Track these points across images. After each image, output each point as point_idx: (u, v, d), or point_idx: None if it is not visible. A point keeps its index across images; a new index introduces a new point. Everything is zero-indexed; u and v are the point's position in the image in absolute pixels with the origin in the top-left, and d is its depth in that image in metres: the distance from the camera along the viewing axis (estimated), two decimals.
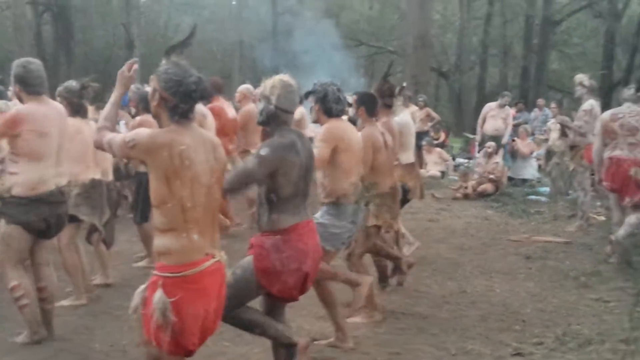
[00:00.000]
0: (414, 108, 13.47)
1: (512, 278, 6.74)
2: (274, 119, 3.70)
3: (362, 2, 35.42)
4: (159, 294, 2.90)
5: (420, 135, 13.03)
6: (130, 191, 8.00)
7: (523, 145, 13.60)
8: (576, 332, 5.07)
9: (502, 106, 13.25)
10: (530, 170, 13.68)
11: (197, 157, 2.96)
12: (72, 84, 5.63)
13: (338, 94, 4.54)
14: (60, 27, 28.89)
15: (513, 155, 13.53)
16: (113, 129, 3.19)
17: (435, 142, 15.52)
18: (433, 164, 14.48)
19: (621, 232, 6.81)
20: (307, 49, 13.88)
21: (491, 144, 12.54)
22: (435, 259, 7.47)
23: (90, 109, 6.14)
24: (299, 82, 3.89)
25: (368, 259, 5.89)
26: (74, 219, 5.61)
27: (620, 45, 28.70)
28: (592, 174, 8.80)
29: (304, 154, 3.69)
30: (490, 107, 13.46)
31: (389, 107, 5.95)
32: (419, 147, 13.16)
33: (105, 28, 33.35)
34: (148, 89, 3.47)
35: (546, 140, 12.91)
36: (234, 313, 3.64)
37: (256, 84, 7.36)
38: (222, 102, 8.18)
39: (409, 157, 6.64)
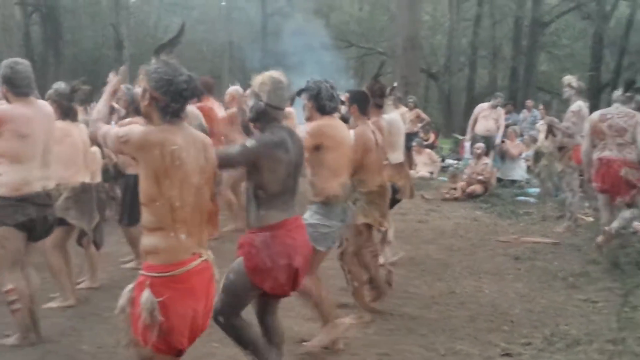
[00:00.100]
0: (403, 109, 13.47)
1: (501, 279, 6.76)
2: (264, 116, 3.70)
3: (352, 4, 35.48)
4: (146, 294, 2.90)
5: (410, 137, 13.06)
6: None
7: (512, 146, 13.64)
8: (564, 333, 5.09)
9: (494, 107, 13.31)
10: (519, 172, 13.72)
11: (187, 158, 2.96)
12: (62, 86, 5.61)
13: (331, 92, 4.53)
14: (49, 28, 28.78)
15: (502, 156, 13.58)
16: (107, 122, 3.23)
17: (425, 143, 15.56)
18: (423, 165, 14.51)
19: (615, 224, 6.85)
20: (296, 50, 13.88)
21: (480, 145, 12.58)
22: (424, 260, 7.49)
23: (80, 109, 6.12)
24: (289, 82, 3.89)
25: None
26: (63, 222, 5.59)
27: (609, 47, 28.91)
28: (581, 175, 8.84)
29: (294, 151, 3.69)
30: (482, 107, 13.53)
31: (379, 107, 5.96)
32: (408, 148, 13.20)
33: (94, 28, 33.27)
34: (137, 89, 3.49)
35: (535, 141, 12.96)
36: (233, 322, 3.66)
37: (246, 85, 7.35)
38: (211, 102, 8.17)
39: (398, 156, 6.64)
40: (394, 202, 6.41)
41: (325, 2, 30.42)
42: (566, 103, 9.00)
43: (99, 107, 3.32)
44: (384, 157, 5.80)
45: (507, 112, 16.91)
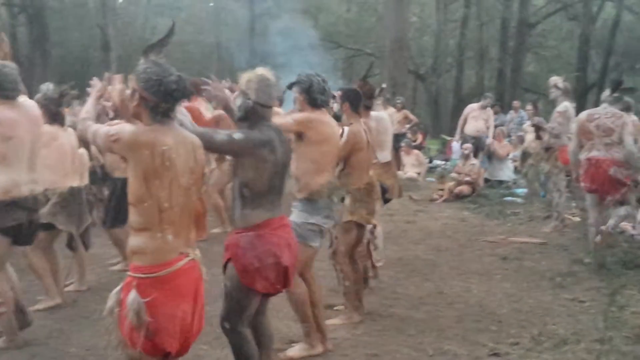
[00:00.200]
0: (391, 110, 13.52)
1: (489, 279, 6.79)
2: (253, 114, 3.68)
3: (340, 5, 35.45)
4: (132, 295, 2.90)
5: (397, 137, 13.09)
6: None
7: (499, 147, 13.69)
8: (552, 332, 5.12)
9: (483, 107, 13.38)
10: (506, 172, 13.77)
11: (177, 158, 2.95)
12: (50, 88, 5.59)
13: (323, 85, 4.52)
14: (35, 29, 28.57)
15: (489, 157, 13.63)
16: (100, 121, 3.24)
17: (413, 144, 15.59)
18: (410, 166, 14.53)
19: (611, 222, 6.89)
20: (284, 51, 13.89)
21: (468, 145, 12.64)
22: (412, 261, 7.51)
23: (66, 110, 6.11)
24: (277, 80, 3.88)
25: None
26: (50, 226, 5.57)
27: (595, 48, 29.07)
28: (568, 175, 8.88)
29: (280, 151, 3.67)
30: (472, 108, 13.60)
31: (368, 108, 5.97)
32: (396, 149, 13.22)
33: (81, 30, 33.06)
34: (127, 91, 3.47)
35: (522, 141, 13.02)
36: (239, 330, 3.65)
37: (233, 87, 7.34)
38: (199, 103, 8.15)
39: (386, 155, 6.66)
40: (384, 201, 6.42)
41: (313, 4, 30.40)
42: (552, 104, 9.05)
43: (87, 108, 3.34)
44: (373, 156, 5.82)
45: (495, 113, 16.97)
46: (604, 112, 6.98)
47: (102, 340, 4.69)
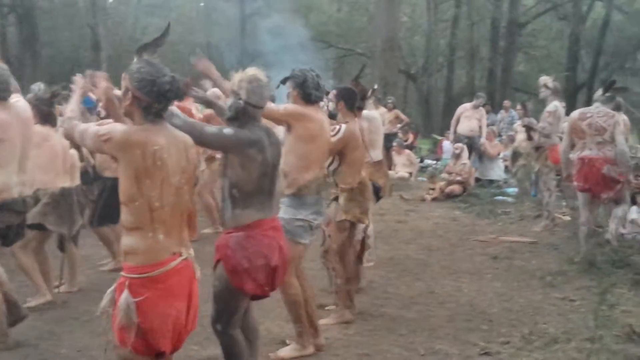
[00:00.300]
0: (382, 110, 13.54)
1: (480, 278, 6.80)
2: (243, 114, 3.67)
3: (331, 4, 35.47)
4: (124, 295, 2.89)
5: (389, 137, 13.11)
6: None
7: (490, 146, 13.73)
8: (542, 331, 5.13)
9: (476, 107, 13.41)
10: (497, 172, 13.82)
11: (169, 158, 2.94)
12: (41, 88, 5.57)
13: (317, 80, 4.51)
14: (25, 29, 28.45)
15: (480, 156, 13.67)
16: (83, 120, 3.21)
17: (404, 143, 15.61)
18: (402, 166, 14.55)
19: (612, 226, 6.87)
20: (275, 50, 13.87)
21: (459, 145, 12.67)
22: (403, 260, 7.52)
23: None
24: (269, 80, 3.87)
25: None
26: (40, 227, 5.55)
27: (585, 48, 29.20)
28: (558, 175, 8.92)
29: (270, 151, 3.67)
30: (465, 107, 13.62)
31: (360, 109, 5.97)
32: (388, 149, 13.24)
33: (71, 30, 32.93)
34: (116, 91, 3.46)
35: (513, 141, 13.06)
36: (230, 332, 3.65)
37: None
38: (190, 103, 8.14)
39: (377, 154, 6.67)
40: (376, 200, 6.44)
41: (303, 3, 30.39)
42: (543, 103, 9.08)
43: (72, 106, 3.30)
44: (366, 155, 5.84)
45: (486, 113, 17.04)
46: (597, 111, 6.99)
47: (93, 342, 4.72)
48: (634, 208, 7.97)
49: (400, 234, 8.99)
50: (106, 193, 6.62)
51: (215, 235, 7.79)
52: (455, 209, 11.07)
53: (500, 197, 11.92)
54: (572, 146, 7.17)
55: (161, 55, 3.23)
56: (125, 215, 2.96)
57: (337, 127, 5.17)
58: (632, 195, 7.49)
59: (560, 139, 8.94)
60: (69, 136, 3.19)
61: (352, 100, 5.41)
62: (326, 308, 5.55)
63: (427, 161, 16.99)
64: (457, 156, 12.54)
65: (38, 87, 5.66)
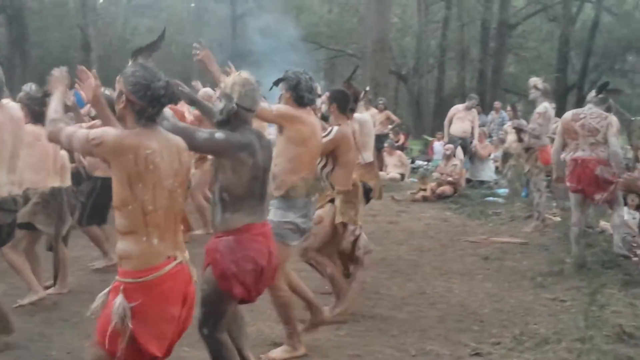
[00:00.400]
0: (373, 111, 13.55)
1: (471, 279, 6.82)
2: (235, 118, 3.64)
3: (322, 6, 35.48)
4: (119, 299, 2.88)
5: (380, 138, 13.11)
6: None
7: (481, 147, 13.77)
8: (533, 332, 5.15)
9: (468, 108, 13.43)
10: (487, 172, 13.85)
11: (161, 162, 2.93)
12: (33, 87, 5.54)
13: (310, 83, 4.51)
14: (14, 29, 28.32)
15: (471, 157, 13.71)
16: (67, 123, 3.16)
17: (395, 144, 15.63)
18: (393, 167, 14.56)
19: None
20: (266, 51, 13.87)
21: (449, 146, 12.70)
22: (395, 261, 7.53)
23: None
24: (259, 84, 3.86)
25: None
26: (30, 226, 5.53)
27: (574, 49, 29.32)
28: (548, 176, 8.94)
29: (261, 155, 3.65)
30: (457, 109, 13.66)
31: (352, 110, 5.97)
32: (379, 150, 13.26)
33: (61, 30, 32.79)
34: (107, 92, 3.44)
35: (503, 142, 13.11)
36: (217, 336, 3.64)
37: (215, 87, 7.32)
38: (182, 105, 8.12)
39: (368, 156, 6.68)
40: (367, 201, 6.44)
41: (294, 4, 30.41)
42: (533, 104, 9.11)
43: (55, 106, 3.18)
44: (358, 157, 5.85)
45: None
46: (590, 112, 7.01)
47: (83, 344, 4.69)
48: (625, 209, 8.00)
49: (391, 235, 8.99)
50: (96, 192, 6.60)
51: (206, 236, 7.78)
52: (446, 210, 11.09)
53: (491, 198, 11.94)
54: (564, 147, 7.18)
55: (151, 56, 3.21)
56: (119, 220, 2.95)
57: (329, 128, 5.17)
58: (623, 196, 7.51)
59: (551, 139, 8.99)
60: (53, 139, 3.09)
61: (344, 103, 5.42)
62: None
63: (418, 162, 17.02)
64: (448, 157, 12.56)
65: (29, 87, 5.62)
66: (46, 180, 5.61)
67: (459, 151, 13.20)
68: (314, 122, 4.64)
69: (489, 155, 13.97)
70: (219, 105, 3.68)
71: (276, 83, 4.62)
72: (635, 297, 5.87)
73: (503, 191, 12.26)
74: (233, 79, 3.72)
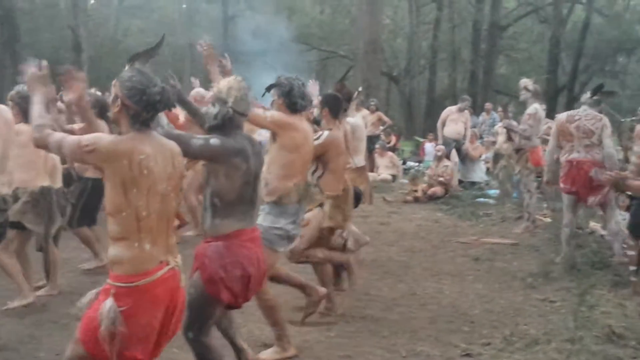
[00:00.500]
0: (365, 112, 13.56)
1: (461, 280, 6.83)
2: (230, 122, 3.63)
3: (313, 7, 35.50)
4: (109, 303, 2.86)
5: (371, 139, 13.13)
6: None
7: (472, 148, 13.80)
8: (523, 332, 5.16)
9: (461, 110, 13.45)
10: (478, 173, 13.88)
11: (155, 166, 2.92)
12: (25, 89, 5.52)
13: (303, 89, 4.51)
14: (5, 30, 28.19)
15: (462, 158, 13.73)
16: (55, 128, 3.13)
17: (387, 145, 15.65)
18: (384, 168, 14.58)
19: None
20: (258, 53, 13.87)
21: (440, 147, 12.73)
22: (386, 262, 7.53)
23: None
24: (250, 86, 3.85)
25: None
26: (19, 226, 5.51)
27: (565, 50, 29.42)
28: (538, 177, 8.97)
29: (253, 161, 3.64)
30: (450, 111, 13.66)
31: (344, 111, 5.98)
32: (370, 151, 13.27)
33: (52, 31, 32.69)
34: (98, 93, 3.43)
35: (494, 143, 13.14)
36: (202, 339, 3.63)
37: (207, 87, 7.30)
38: (176, 108, 8.09)
39: (360, 160, 6.69)
40: (355, 205, 6.44)
41: (286, 5, 30.40)
42: (523, 106, 9.14)
43: (39, 112, 3.08)
44: (348, 161, 5.85)
45: None
46: (584, 114, 7.03)
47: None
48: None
49: (382, 236, 9.00)
50: (87, 193, 6.59)
51: (197, 238, 7.77)
52: (437, 211, 11.10)
53: (481, 199, 11.97)
54: (559, 148, 7.19)
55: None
56: (111, 226, 2.93)
57: (320, 132, 5.17)
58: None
59: (542, 140, 9.02)
60: (40, 145, 3.00)
61: (337, 108, 5.42)
62: None
63: (410, 163, 17.04)
64: (439, 158, 12.58)
65: (22, 86, 5.60)
66: (36, 179, 5.59)
67: (454, 154, 13.23)
68: (307, 128, 4.65)
69: (480, 156, 14.01)
70: (213, 109, 3.65)
71: (268, 89, 4.61)
72: (625, 297, 5.90)
73: (494, 192, 12.29)
74: (228, 83, 3.71)
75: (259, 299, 4.45)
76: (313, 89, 5.81)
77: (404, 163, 16.70)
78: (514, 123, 9.41)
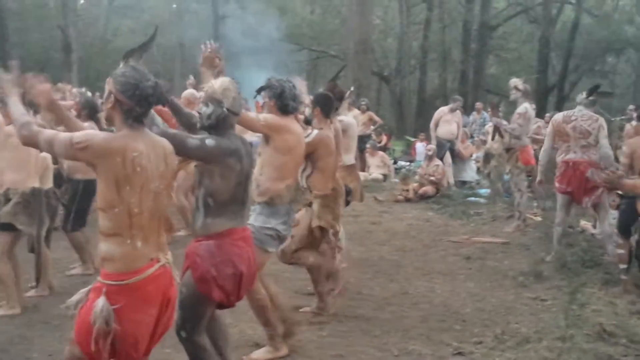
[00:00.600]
0: (356, 112, 13.57)
1: (453, 278, 6.85)
2: (223, 123, 3.63)
3: (304, 7, 35.50)
4: (101, 302, 2.86)
5: (362, 139, 13.13)
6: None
7: (462, 147, 13.83)
8: (514, 331, 5.18)
9: (453, 110, 13.46)
10: (469, 173, 13.92)
11: (148, 164, 2.92)
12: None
13: (295, 91, 4.51)
14: None
15: (453, 158, 13.75)
16: (43, 125, 3.12)
17: (378, 145, 15.66)
18: (375, 167, 14.59)
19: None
20: (248, 52, 13.86)
21: (431, 147, 12.75)
22: (377, 261, 7.54)
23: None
24: (240, 86, 3.84)
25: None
26: (10, 227, 5.48)
27: (555, 50, 29.50)
28: (529, 176, 9.00)
29: (246, 161, 3.65)
30: (443, 111, 13.65)
31: (336, 110, 5.98)
32: (361, 151, 13.28)
33: (42, 31, 32.54)
34: (88, 93, 3.42)
35: (485, 142, 13.17)
36: (194, 339, 3.61)
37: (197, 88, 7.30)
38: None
39: (350, 158, 6.69)
40: (346, 204, 6.45)
41: (276, 5, 30.38)
42: (514, 105, 9.17)
43: (21, 110, 3.04)
44: (339, 160, 5.84)
45: None
46: (580, 114, 7.05)
47: (63, 346, 4.64)
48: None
49: (374, 235, 9.01)
50: (79, 196, 6.56)
51: (188, 238, 7.76)
52: (428, 210, 11.13)
53: (472, 198, 11.99)
54: (554, 148, 7.21)
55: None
56: (103, 222, 2.93)
57: (309, 131, 5.17)
58: None
59: (532, 140, 9.05)
60: (29, 143, 2.97)
61: (328, 107, 5.42)
62: (300, 310, 5.55)
63: (401, 163, 17.06)
64: (430, 157, 12.60)
65: None
66: (27, 180, 5.58)
67: (448, 155, 13.22)
68: (299, 130, 4.66)
69: (471, 155, 14.04)
70: (207, 110, 3.63)
71: (259, 91, 4.60)
72: (615, 295, 5.93)
73: (485, 191, 12.32)
74: (222, 84, 3.69)
75: (250, 298, 4.44)
76: (301, 86, 5.81)
77: (395, 162, 16.72)
78: (503, 121, 9.44)
